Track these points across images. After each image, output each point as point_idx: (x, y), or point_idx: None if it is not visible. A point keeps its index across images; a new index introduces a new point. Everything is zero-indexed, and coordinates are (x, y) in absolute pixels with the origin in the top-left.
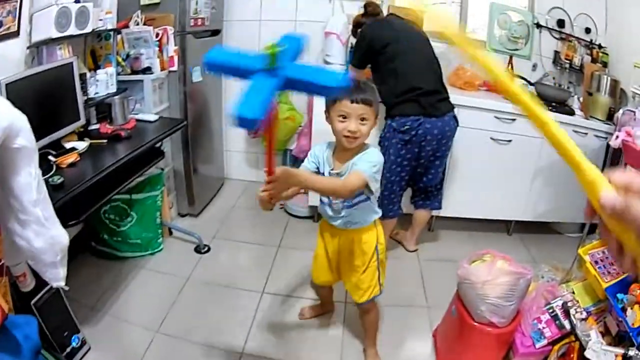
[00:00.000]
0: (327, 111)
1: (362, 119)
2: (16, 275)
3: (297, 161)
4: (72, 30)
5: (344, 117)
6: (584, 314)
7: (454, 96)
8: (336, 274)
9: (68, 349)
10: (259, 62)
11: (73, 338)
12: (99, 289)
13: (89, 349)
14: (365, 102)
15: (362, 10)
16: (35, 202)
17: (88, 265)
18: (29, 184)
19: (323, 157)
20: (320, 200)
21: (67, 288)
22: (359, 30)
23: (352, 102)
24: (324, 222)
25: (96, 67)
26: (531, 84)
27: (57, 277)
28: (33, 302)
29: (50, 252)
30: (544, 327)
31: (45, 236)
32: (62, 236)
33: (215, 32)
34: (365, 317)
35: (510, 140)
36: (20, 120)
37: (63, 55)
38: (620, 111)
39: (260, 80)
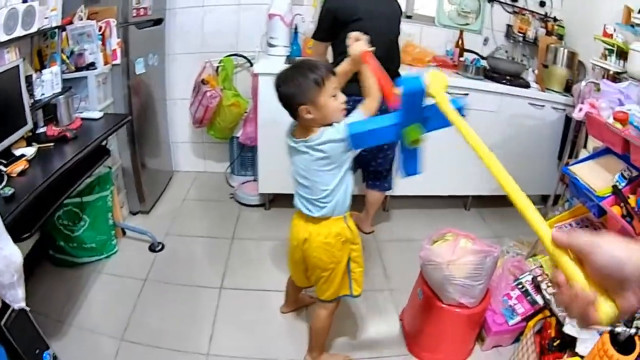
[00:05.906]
0: (310, 102)
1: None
2: None
3: (244, 148)
4: (19, 31)
5: (335, 94)
6: None
7: (403, 73)
8: None
9: None
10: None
11: (44, 355)
12: (62, 299)
13: None
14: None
15: None
16: None
17: (49, 275)
18: None
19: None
20: None
21: (28, 308)
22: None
23: (334, 74)
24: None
25: (42, 67)
26: (483, 58)
27: (17, 298)
28: (3, 323)
29: (6, 274)
30: (515, 304)
31: None
32: (15, 255)
33: (158, 22)
34: None
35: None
36: None
37: (10, 58)
38: (583, 83)
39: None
